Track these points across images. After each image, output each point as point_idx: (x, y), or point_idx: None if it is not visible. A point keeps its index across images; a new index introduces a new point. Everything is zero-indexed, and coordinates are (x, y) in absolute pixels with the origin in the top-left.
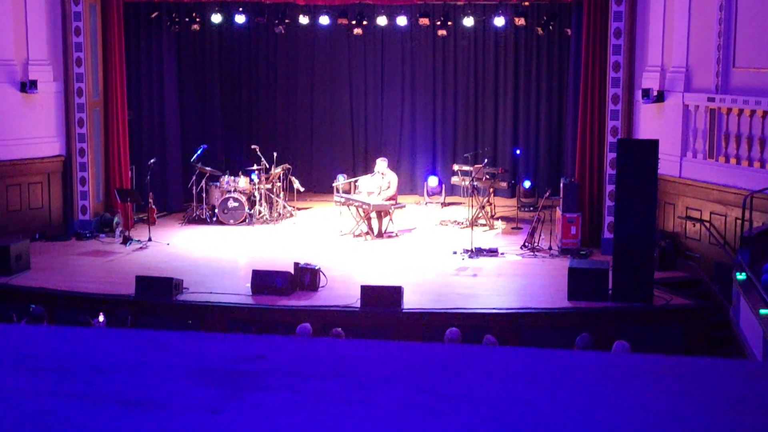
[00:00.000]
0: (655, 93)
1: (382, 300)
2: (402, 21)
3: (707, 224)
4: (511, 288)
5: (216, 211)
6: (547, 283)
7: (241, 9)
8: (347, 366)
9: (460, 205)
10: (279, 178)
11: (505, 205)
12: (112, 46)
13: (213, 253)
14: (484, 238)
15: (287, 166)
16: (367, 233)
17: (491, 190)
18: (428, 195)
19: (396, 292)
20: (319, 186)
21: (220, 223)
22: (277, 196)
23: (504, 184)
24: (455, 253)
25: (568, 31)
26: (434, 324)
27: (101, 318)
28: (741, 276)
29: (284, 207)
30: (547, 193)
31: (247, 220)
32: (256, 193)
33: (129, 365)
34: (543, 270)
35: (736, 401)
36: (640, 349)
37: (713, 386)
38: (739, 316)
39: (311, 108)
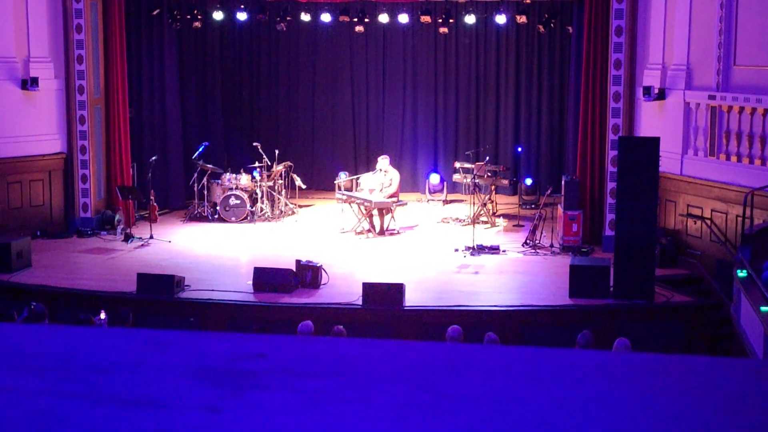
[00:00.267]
0: (656, 91)
1: (383, 297)
2: (404, 18)
3: (708, 222)
4: (513, 285)
5: (218, 208)
6: (548, 280)
7: (242, 6)
8: (347, 365)
9: (461, 202)
10: (281, 175)
11: (506, 203)
12: (114, 43)
13: (214, 250)
14: (486, 235)
15: (289, 163)
16: (369, 231)
17: (493, 187)
18: (430, 192)
19: (398, 290)
20: (320, 183)
21: (221, 220)
22: (279, 193)
23: (505, 182)
24: (457, 250)
25: (570, 28)
26: (436, 321)
27: (103, 315)
28: (742, 273)
29: (286, 204)
30: (549, 191)
31: (248, 218)
32: (258, 191)
33: (128, 364)
34: (544, 267)
35: (736, 400)
36: (641, 346)
37: (712, 385)
38: (739, 313)
39: (313, 105)
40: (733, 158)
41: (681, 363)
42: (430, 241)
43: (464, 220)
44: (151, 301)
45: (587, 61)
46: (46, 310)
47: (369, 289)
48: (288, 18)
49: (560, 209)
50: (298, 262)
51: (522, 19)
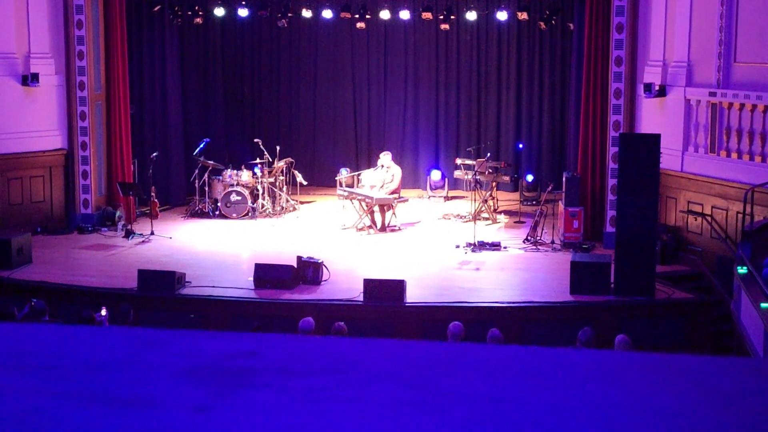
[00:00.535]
0: (657, 87)
1: (385, 294)
2: (405, 15)
3: (709, 218)
4: (514, 282)
5: (219, 204)
6: (549, 276)
7: (243, 2)
8: (340, 364)
9: (462, 199)
10: (282, 171)
11: (507, 199)
12: (115, 39)
13: (216, 246)
14: (487, 231)
15: (290, 159)
16: (370, 227)
17: (494, 184)
18: (431, 189)
19: (399, 286)
20: (322, 180)
21: (222, 216)
22: (280, 189)
23: (507, 178)
24: (458, 246)
25: (571, 25)
26: (437, 318)
27: (103, 312)
28: (742, 270)
29: (287, 201)
30: (550, 187)
31: (249, 214)
32: (259, 187)
33: (118, 363)
34: (545, 264)
35: (732, 399)
36: (642, 342)
37: (709, 384)
38: (740, 309)
39: (314, 101)
40: (734, 155)
41: (677, 362)
42: (431, 238)
43: (465, 217)
44: (152, 298)
45: (588, 57)
46: (47, 306)
47: (370, 285)
48: (289, 14)
49: (561, 206)
50: (299, 258)
51: (523, 15)
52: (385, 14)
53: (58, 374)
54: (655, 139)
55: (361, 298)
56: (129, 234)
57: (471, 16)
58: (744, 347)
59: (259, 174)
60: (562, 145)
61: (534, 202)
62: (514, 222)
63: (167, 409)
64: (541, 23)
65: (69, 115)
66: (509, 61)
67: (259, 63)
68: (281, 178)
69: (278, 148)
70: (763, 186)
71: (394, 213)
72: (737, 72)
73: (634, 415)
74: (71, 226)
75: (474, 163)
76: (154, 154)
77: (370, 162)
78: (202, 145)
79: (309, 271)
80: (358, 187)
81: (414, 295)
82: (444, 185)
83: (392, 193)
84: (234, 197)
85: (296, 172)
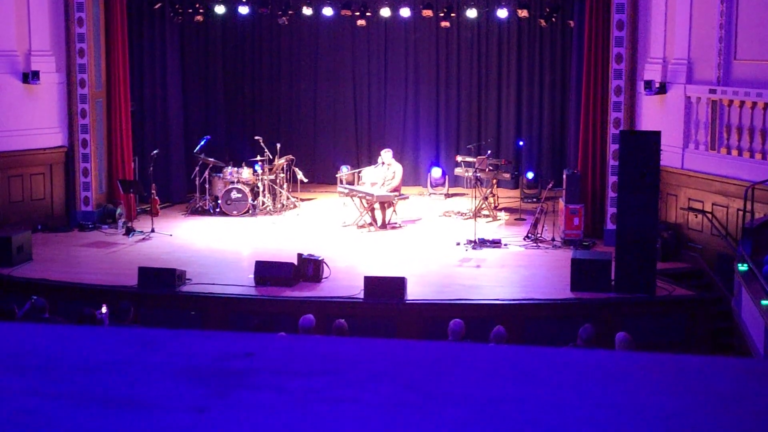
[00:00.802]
0: (657, 85)
1: (385, 291)
2: (405, 12)
3: (709, 215)
4: (514, 279)
5: (219, 202)
6: (550, 274)
7: (244, 0)
8: (335, 364)
9: (463, 196)
10: (282, 169)
11: (508, 197)
12: (115, 36)
13: (216, 244)
14: (488, 229)
15: (291, 157)
16: (371, 224)
17: (494, 181)
18: (432, 186)
19: (399, 283)
20: (322, 177)
21: (223, 214)
22: (281, 187)
23: (507, 176)
24: (458, 244)
25: (571, 22)
26: (437, 315)
27: (104, 309)
28: (743, 267)
29: (288, 198)
30: (550, 185)
31: (250, 211)
32: (260, 184)
33: (114, 364)
34: (546, 261)
35: (732, 399)
36: (643, 340)
37: (708, 384)
38: (740, 306)
39: (315, 99)
40: (734, 152)
41: (677, 362)
42: (431, 235)
43: (466, 214)
44: (153, 295)
45: (588, 54)
46: (47, 304)
47: (371, 282)
48: (290, 12)
49: (562, 203)
50: (299, 255)
51: (523, 13)
52: (385, 12)
53: (56, 375)
54: (656, 136)
55: (361, 296)
56: (129, 231)
57: (471, 13)
58: (744, 344)
59: (259, 171)
60: (562, 142)
61: (534, 200)
62: (515, 219)
63: (165, 409)
64: (542, 20)
65: (69, 113)
66: (509, 58)
67: (259, 60)
68: (282, 175)
69: (279, 145)
70: (763, 183)
71: (394, 210)
72: (737, 69)
73: (634, 415)
74: (72, 223)
75: (474, 160)
76: (155, 151)
77: (371, 159)
78: (202, 143)
79: (309, 268)
80: (358, 184)
81: (414, 292)
82: (444, 182)
83: (393, 190)
84: (234, 194)
85: (297, 170)
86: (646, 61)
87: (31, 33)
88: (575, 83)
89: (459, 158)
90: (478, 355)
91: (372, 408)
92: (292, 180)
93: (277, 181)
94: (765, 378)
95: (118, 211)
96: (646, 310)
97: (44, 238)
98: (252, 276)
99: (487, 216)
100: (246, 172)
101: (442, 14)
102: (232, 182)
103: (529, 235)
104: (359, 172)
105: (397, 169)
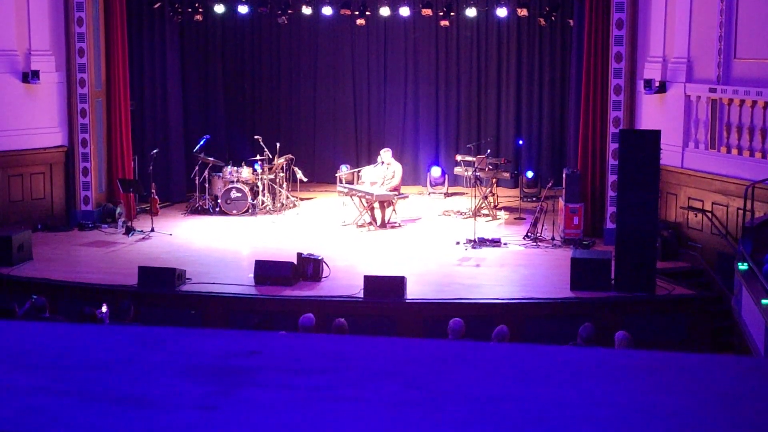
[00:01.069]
0: (657, 83)
1: (385, 290)
2: (405, 11)
3: (709, 214)
4: (514, 278)
5: (219, 201)
6: (549, 273)
7: None
8: (340, 362)
9: (463, 195)
10: (282, 168)
11: (507, 196)
12: (115, 36)
13: (216, 243)
14: (487, 228)
15: (290, 156)
16: (371, 223)
17: (494, 180)
18: (431, 185)
19: (399, 283)
20: (322, 176)
21: (223, 213)
22: (280, 186)
23: (507, 175)
24: (458, 243)
25: (571, 21)
26: (437, 314)
27: (104, 309)
28: (743, 266)
29: (287, 197)
30: (550, 184)
31: (250, 211)
32: (259, 184)
33: (122, 362)
34: (546, 260)
35: (732, 398)
36: (643, 339)
37: (708, 384)
38: (740, 306)
39: (314, 98)
40: (734, 151)
41: (677, 361)
42: (431, 234)
43: (465, 213)
44: (153, 294)
45: (588, 53)
46: (47, 303)
47: (370, 281)
48: (289, 11)
49: (561, 202)
50: (299, 254)
51: (523, 11)
52: (384, 11)
53: (60, 373)
54: (655, 135)
55: (361, 295)
56: (129, 231)
57: (471, 12)
58: (744, 343)
59: (259, 171)
60: (562, 141)
61: (534, 199)
62: (515, 218)
63: (173, 407)
64: (541, 20)
65: (69, 112)
66: (509, 57)
67: (259, 60)
68: (281, 174)
69: (278, 144)
70: (763, 182)
71: (394, 209)
72: (737, 68)
73: (634, 414)
74: (72, 222)
75: (474, 159)
76: (155, 150)
77: (370, 158)
78: (202, 142)
79: (309, 267)
80: (358, 183)
81: (414, 291)
82: (444, 182)
83: (392, 189)
84: (234, 194)
85: (296, 169)
86: (645, 60)
87: (30, 32)
88: (575, 82)
89: (458, 157)
90: (480, 354)
91: (375, 406)
92: (292, 179)
93: (277, 180)
94: (765, 377)
95: (118, 210)
96: (645, 309)
97: (44, 237)
98: (252, 275)
99: (486, 215)
100: (246, 172)
101: (441, 13)
102: (232, 181)
103: (529, 234)
104: (359, 172)
105: (397, 168)
